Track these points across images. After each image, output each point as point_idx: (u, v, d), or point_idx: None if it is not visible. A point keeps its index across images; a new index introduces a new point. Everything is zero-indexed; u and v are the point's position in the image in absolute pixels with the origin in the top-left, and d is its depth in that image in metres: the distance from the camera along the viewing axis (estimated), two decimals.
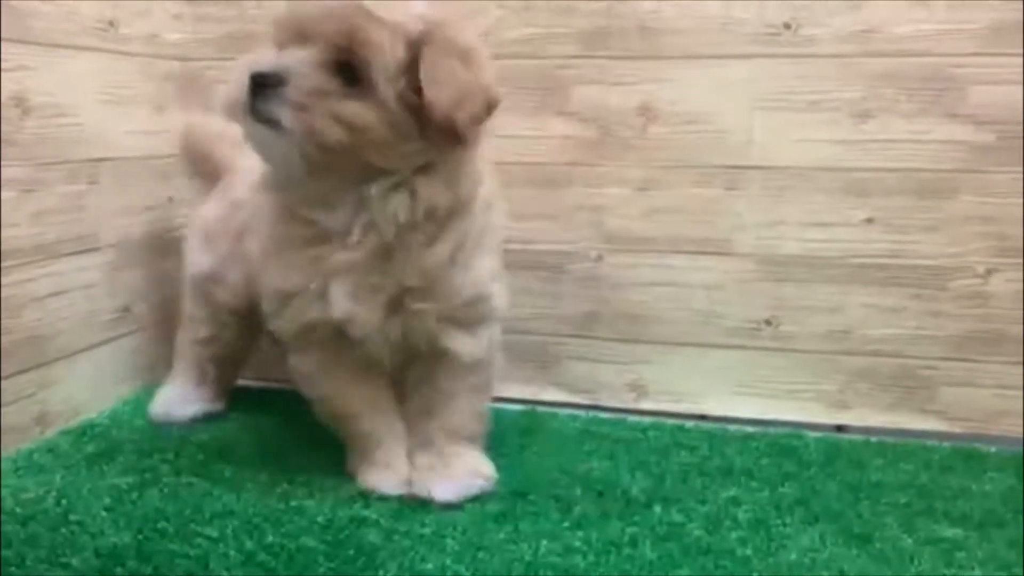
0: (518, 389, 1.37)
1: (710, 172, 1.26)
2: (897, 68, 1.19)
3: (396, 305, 0.98)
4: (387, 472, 1.03)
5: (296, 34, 0.90)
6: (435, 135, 0.91)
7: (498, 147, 1.31)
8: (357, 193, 0.94)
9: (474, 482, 1.02)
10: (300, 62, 0.88)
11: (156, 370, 1.32)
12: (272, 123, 0.88)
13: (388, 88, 0.89)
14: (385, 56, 0.88)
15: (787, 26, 1.21)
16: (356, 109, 0.89)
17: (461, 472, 1.03)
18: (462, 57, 0.90)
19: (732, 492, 1.05)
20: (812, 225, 1.25)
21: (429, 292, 0.98)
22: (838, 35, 1.20)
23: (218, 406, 1.27)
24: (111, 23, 1.26)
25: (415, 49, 0.89)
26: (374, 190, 0.93)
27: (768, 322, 1.29)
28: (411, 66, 0.89)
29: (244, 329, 1.23)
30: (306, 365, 1.04)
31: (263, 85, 0.87)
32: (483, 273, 1.02)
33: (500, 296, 1.06)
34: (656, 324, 1.32)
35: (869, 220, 1.23)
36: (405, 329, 1.00)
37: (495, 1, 1.29)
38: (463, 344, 1.02)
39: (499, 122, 1.29)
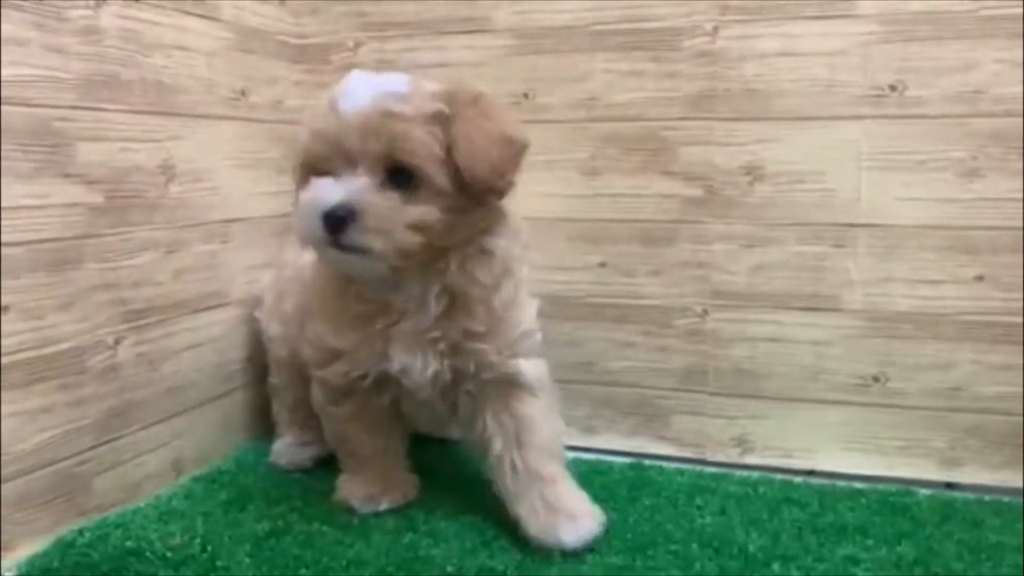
0: (623, 442, 1.40)
1: (818, 229, 1.28)
2: (1005, 128, 1.20)
3: (455, 349, 1.05)
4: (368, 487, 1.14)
5: (339, 158, 0.96)
6: (481, 196, 0.99)
7: (603, 205, 1.36)
8: (431, 269, 1.02)
9: (594, 526, 1.05)
10: (363, 190, 0.94)
11: (272, 419, 1.38)
12: (359, 251, 0.94)
13: (441, 178, 0.95)
14: (430, 152, 0.95)
15: (893, 88, 1.23)
16: (423, 212, 0.95)
17: (577, 511, 1.05)
18: (483, 119, 0.97)
19: (848, 550, 1.06)
20: (921, 282, 1.26)
21: (491, 333, 1.05)
22: (945, 96, 1.22)
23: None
24: (243, 92, 1.35)
25: (447, 126, 0.96)
26: (453, 264, 1.01)
27: (876, 378, 1.29)
28: (448, 142, 0.96)
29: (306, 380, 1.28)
30: (339, 411, 1.13)
31: (338, 220, 0.93)
32: (532, 311, 1.11)
33: (538, 333, 1.12)
34: (763, 379, 1.33)
35: (979, 278, 1.23)
36: (459, 368, 1.06)
37: (602, 65, 1.34)
38: (525, 366, 1.08)
39: (604, 182, 1.36)
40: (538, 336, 1.11)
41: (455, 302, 1.04)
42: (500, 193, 0.99)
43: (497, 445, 1.08)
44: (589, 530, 1.04)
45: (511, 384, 1.08)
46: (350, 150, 0.95)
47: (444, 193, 0.96)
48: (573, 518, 1.04)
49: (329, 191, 0.95)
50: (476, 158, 0.95)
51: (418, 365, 1.04)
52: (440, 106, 0.96)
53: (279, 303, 1.28)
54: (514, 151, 0.98)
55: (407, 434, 1.19)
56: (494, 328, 1.05)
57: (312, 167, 0.98)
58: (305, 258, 1.21)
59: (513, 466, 1.06)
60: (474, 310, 1.04)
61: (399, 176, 0.95)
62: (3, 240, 0.97)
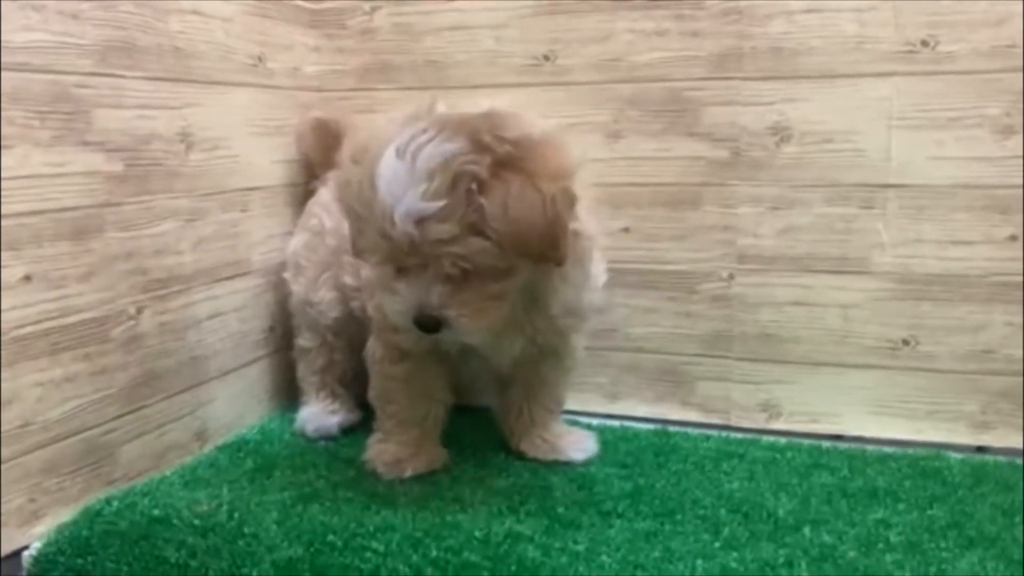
0: (648, 408, 1.39)
1: (846, 190, 1.26)
2: None
3: (536, 328, 1.10)
4: (400, 453, 1.15)
5: (413, 262, 0.95)
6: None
7: (627, 169, 1.34)
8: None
9: (594, 445, 1.23)
10: (438, 306, 0.95)
11: (296, 388, 1.38)
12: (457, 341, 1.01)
13: (503, 261, 0.94)
14: (483, 250, 0.92)
15: (925, 43, 1.20)
16: (498, 289, 0.97)
17: (576, 437, 1.23)
18: (518, 188, 0.91)
19: (880, 514, 1.04)
20: (952, 243, 1.23)
21: (568, 314, 1.12)
22: (978, 51, 1.19)
23: (358, 415, 1.33)
24: (259, 59, 1.33)
25: (488, 209, 0.91)
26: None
27: (906, 341, 1.27)
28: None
29: (348, 344, 1.30)
30: (396, 370, 1.14)
31: (431, 324, 0.97)
32: (598, 284, 1.15)
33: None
34: (790, 344, 1.31)
35: (1012, 238, 1.21)
36: (536, 342, 1.11)
37: (625, 24, 1.31)
38: (576, 339, 1.18)
39: (627, 145, 1.34)
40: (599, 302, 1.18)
41: (537, 296, 1.06)
42: (557, 261, 0.96)
43: (515, 392, 1.21)
44: (590, 446, 1.22)
45: (555, 352, 1.16)
46: (425, 256, 0.94)
47: (512, 264, 0.96)
48: (574, 442, 1.22)
49: (409, 303, 0.97)
50: (523, 243, 0.93)
51: (506, 344, 1.09)
52: (469, 196, 0.91)
53: (324, 271, 1.28)
54: (559, 220, 0.93)
55: (449, 406, 1.19)
56: (571, 310, 1.11)
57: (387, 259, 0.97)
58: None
59: (520, 412, 1.21)
60: (553, 299, 1.07)
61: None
62: (23, 209, 0.96)
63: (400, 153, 0.92)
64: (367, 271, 1.15)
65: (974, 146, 1.20)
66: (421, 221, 0.91)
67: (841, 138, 1.25)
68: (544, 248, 0.94)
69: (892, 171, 1.24)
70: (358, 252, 1.02)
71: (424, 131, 0.92)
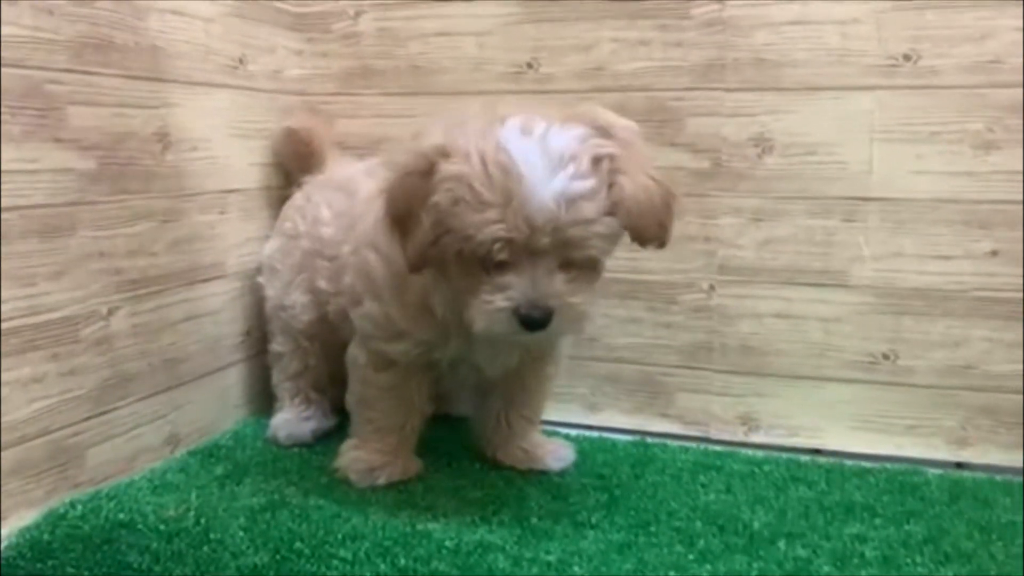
0: (626, 419, 1.38)
1: (827, 203, 1.25)
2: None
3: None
4: (372, 458, 1.13)
5: (522, 253, 0.92)
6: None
7: None
8: None
9: (571, 453, 1.21)
10: (559, 294, 0.93)
11: (271, 394, 1.36)
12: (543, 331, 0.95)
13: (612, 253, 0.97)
14: (612, 241, 0.95)
15: (907, 57, 1.20)
16: (591, 287, 0.97)
17: (553, 446, 1.22)
18: (644, 176, 0.94)
19: (856, 529, 1.04)
20: (933, 257, 1.23)
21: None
22: (961, 66, 1.19)
23: (332, 421, 1.31)
24: (240, 60, 1.32)
25: (615, 191, 0.92)
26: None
27: (886, 356, 1.26)
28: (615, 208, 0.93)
29: (322, 348, 1.29)
30: (379, 378, 1.12)
31: (539, 322, 0.93)
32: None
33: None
34: (770, 356, 1.31)
35: (993, 253, 1.21)
36: (527, 349, 1.11)
37: (609, 34, 1.31)
38: (562, 348, 1.19)
39: None
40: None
41: None
42: (662, 244, 0.98)
43: (494, 401, 1.19)
44: (568, 456, 1.20)
45: (539, 359, 1.16)
46: (537, 248, 0.91)
47: (608, 254, 0.97)
48: (552, 451, 1.20)
49: (526, 294, 0.92)
50: (646, 225, 0.95)
51: (501, 358, 1.10)
52: (611, 175, 0.92)
53: (300, 274, 1.27)
54: (672, 204, 0.97)
55: (427, 415, 1.17)
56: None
57: (484, 258, 0.93)
58: (326, 231, 1.22)
59: (498, 421, 1.19)
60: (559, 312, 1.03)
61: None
62: None
63: (531, 139, 0.91)
64: (349, 278, 1.13)
65: (955, 161, 1.20)
66: (573, 201, 0.90)
67: (823, 150, 1.25)
68: (659, 232, 0.97)
69: (873, 184, 1.24)
70: (439, 256, 0.95)
71: (535, 121, 0.93)
